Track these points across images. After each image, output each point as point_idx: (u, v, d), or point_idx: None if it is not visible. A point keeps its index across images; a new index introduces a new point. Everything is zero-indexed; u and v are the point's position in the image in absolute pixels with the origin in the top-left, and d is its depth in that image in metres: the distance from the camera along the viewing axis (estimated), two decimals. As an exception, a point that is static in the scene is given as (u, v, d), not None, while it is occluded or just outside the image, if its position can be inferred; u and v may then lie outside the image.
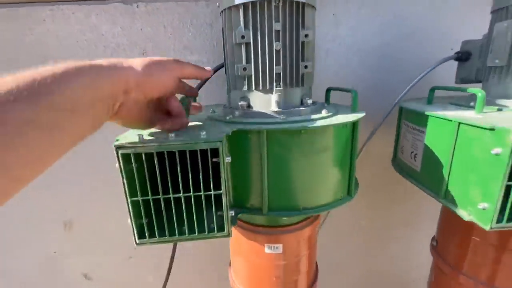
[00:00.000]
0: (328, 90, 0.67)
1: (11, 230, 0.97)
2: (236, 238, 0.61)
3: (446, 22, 0.80)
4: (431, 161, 0.56)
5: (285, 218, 0.55)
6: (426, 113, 0.56)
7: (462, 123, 0.47)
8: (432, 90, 0.65)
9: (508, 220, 0.42)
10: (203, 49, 0.79)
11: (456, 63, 0.70)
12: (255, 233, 0.57)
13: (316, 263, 0.72)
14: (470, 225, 0.61)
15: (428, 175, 0.58)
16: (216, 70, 0.66)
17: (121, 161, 0.36)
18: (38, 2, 0.74)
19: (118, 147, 0.36)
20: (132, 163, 0.37)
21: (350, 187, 0.54)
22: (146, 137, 0.38)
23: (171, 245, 0.93)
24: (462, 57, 0.67)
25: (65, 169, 0.89)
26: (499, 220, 0.42)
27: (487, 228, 0.43)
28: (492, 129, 0.41)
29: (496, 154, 0.40)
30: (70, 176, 0.90)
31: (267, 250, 0.58)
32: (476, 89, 0.50)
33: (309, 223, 0.59)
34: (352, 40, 0.82)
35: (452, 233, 0.70)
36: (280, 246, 0.57)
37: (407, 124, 0.66)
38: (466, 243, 0.65)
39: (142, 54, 0.80)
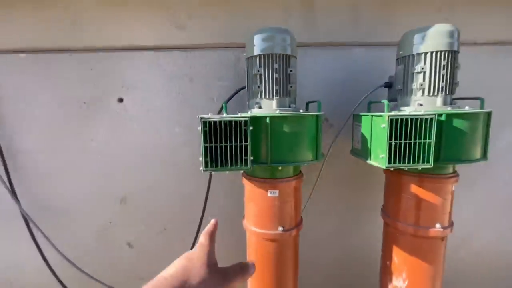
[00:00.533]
0: (307, 103, 1.10)
1: (81, 204, 1.33)
2: (250, 188, 0.99)
3: (383, 65, 1.26)
4: (364, 140, 0.97)
5: (280, 169, 0.94)
6: (360, 114, 0.99)
7: (373, 115, 0.89)
8: (369, 103, 1.08)
9: (393, 162, 0.82)
10: (230, 78, 1.25)
11: (386, 89, 1.15)
12: (262, 183, 0.96)
13: (301, 217, 1.08)
14: (398, 188, 1.00)
15: (363, 149, 0.99)
16: (238, 91, 1.11)
17: (201, 124, 0.77)
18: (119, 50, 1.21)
19: (201, 117, 0.77)
20: (206, 127, 0.78)
21: (317, 154, 0.94)
22: (214, 116, 0.79)
23: (197, 220, 1.29)
24: (388, 85, 1.12)
25: (122, 161, 1.29)
26: (388, 163, 0.82)
27: (384, 167, 0.83)
28: (381, 116, 0.83)
29: (383, 127, 0.81)
30: (126, 165, 1.30)
31: (269, 194, 0.96)
32: (384, 100, 0.93)
33: (296, 179, 0.98)
34: (323, 73, 1.28)
35: (389, 196, 1.08)
36: (277, 191, 0.95)
37: (355, 124, 1.08)
38: (397, 200, 1.02)
39: (190, 80, 1.25)
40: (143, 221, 1.37)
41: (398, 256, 1.05)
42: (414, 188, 0.97)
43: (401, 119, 0.80)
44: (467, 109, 0.89)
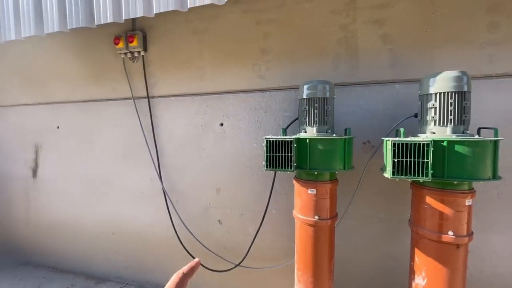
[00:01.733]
0: (345, 129, 1.49)
1: (193, 190, 2.07)
2: (297, 187, 1.45)
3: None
4: (383, 158, 1.29)
5: (316, 174, 1.36)
6: (382, 138, 1.31)
7: (385, 140, 1.22)
8: (396, 130, 1.38)
9: (397, 174, 1.12)
10: (292, 110, 1.76)
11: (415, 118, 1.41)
12: (304, 183, 1.40)
13: (337, 212, 1.45)
14: (419, 200, 1.26)
15: (384, 165, 1.29)
16: (293, 121, 1.60)
17: (264, 142, 1.31)
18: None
19: (265, 138, 1.31)
20: (268, 143, 1.31)
21: (345, 165, 1.32)
22: (272, 137, 1.32)
23: (263, 210, 1.80)
24: (416, 116, 1.38)
25: (219, 164, 1.95)
26: (392, 174, 1.13)
27: (390, 177, 1.14)
28: (388, 140, 1.16)
29: (389, 148, 1.14)
30: (221, 167, 1.96)
31: (309, 192, 1.39)
32: (401, 129, 1.23)
33: (331, 183, 1.38)
34: (367, 105, 1.62)
35: (413, 207, 1.32)
36: (315, 190, 1.37)
37: (385, 145, 1.39)
38: (418, 209, 1.27)
39: (265, 112, 1.83)
40: (229, 206, 1.99)
41: (419, 257, 1.27)
42: (429, 200, 1.20)
43: (403, 143, 1.12)
44: (468, 138, 1.10)
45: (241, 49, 1.86)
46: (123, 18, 1.62)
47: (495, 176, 1.10)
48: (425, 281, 1.24)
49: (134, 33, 2.02)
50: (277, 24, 1.78)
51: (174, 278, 0.46)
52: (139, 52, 2.09)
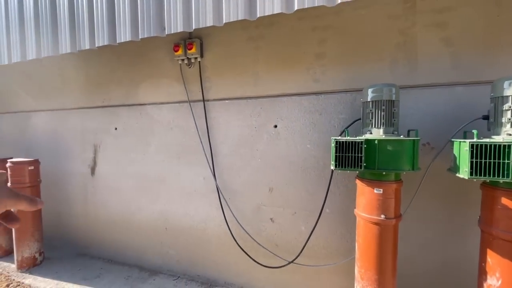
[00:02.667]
0: (408, 131, 1.52)
1: (246, 188, 2.17)
2: (361, 186, 1.50)
3: (481, 100, 1.51)
4: (454, 159, 1.31)
5: (384, 174, 1.40)
6: (453, 140, 1.33)
7: (460, 141, 1.24)
8: (464, 132, 1.40)
9: (475, 175, 1.15)
10: (347, 112, 1.81)
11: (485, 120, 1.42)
12: (370, 182, 1.45)
13: (400, 213, 1.48)
14: (492, 200, 1.27)
15: (454, 166, 1.32)
16: (354, 122, 1.65)
17: (333, 142, 1.38)
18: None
19: (334, 138, 1.38)
20: (338, 144, 1.37)
21: (413, 166, 1.36)
22: (342, 138, 1.38)
23: (319, 210, 1.86)
24: (485, 118, 1.39)
25: (272, 164, 2.03)
26: (470, 175, 1.16)
27: (466, 178, 1.17)
28: (465, 142, 1.19)
29: (466, 150, 1.17)
30: (275, 167, 2.04)
31: (375, 191, 1.43)
32: (474, 130, 1.26)
33: (396, 183, 1.42)
34: (426, 108, 1.64)
35: (484, 208, 1.33)
36: (381, 189, 1.42)
37: (451, 148, 1.42)
38: (491, 210, 1.28)
39: (320, 114, 1.89)
40: (282, 205, 2.07)
41: (491, 258, 1.28)
42: (505, 201, 1.21)
43: (481, 144, 1.14)
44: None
45: (296, 54, 1.95)
46: (193, 28, 1.75)
47: None
48: (500, 282, 1.24)
49: (193, 40, 2.17)
50: (333, 30, 1.84)
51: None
52: (195, 58, 2.23)
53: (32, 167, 2.63)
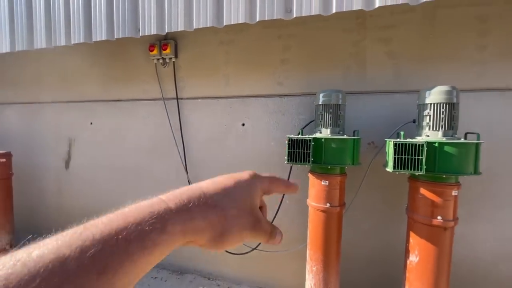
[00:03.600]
0: (354, 131, 1.75)
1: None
2: (312, 179, 1.71)
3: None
4: (386, 156, 1.55)
5: (329, 168, 1.62)
6: (385, 139, 1.57)
7: (388, 141, 1.48)
8: (397, 133, 1.64)
9: (397, 168, 1.39)
10: (306, 113, 2.02)
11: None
12: (319, 175, 1.66)
13: (344, 202, 1.71)
14: (414, 190, 1.52)
15: (386, 161, 1.55)
16: (309, 123, 1.86)
17: (287, 140, 1.57)
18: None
19: (288, 136, 1.58)
20: (290, 141, 1.57)
21: (353, 161, 1.58)
22: (294, 136, 1.58)
23: (279, 201, 2.06)
24: (414, 121, 1.64)
25: (240, 159, 2.21)
26: (394, 168, 1.39)
27: (391, 171, 1.40)
28: (390, 141, 1.42)
29: (391, 147, 1.41)
30: (243, 162, 2.22)
31: (322, 183, 1.65)
32: (401, 132, 1.50)
33: (341, 176, 1.64)
34: (372, 112, 1.88)
35: (409, 197, 1.58)
36: (327, 181, 1.64)
37: (388, 145, 1.66)
38: (413, 198, 1.53)
39: (282, 114, 2.09)
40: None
41: (413, 239, 1.53)
42: (423, 191, 1.46)
43: (402, 143, 1.38)
44: (455, 140, 1.36)
45: (263, 59, 2.13)
46: (166, 31, 1.88)
47: (476, 172, 1.36)
48: (418, 258, 1.50)
49: (167, 42, 2.29)
50: (296, 38, 2.04)
51: (271, 174, 0.43)
52: (170, 58, 2.36)
53: (3, 160, 2.65)
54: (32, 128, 3.05)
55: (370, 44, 1.88)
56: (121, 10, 1.98)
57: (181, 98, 2.40)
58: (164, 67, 2.42)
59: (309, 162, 1.57)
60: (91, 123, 2.77)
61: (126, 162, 2.65)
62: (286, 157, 1.61)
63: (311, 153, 1.56)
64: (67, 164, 2.92)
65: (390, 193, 1.89)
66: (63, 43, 2.18)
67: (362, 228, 1.96)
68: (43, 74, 2.93)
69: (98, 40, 2.07)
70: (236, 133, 2.25)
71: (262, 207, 0.45)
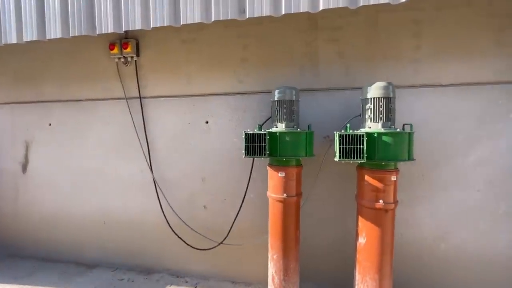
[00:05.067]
0: (308, 125, 1.86)
1: (181, 179, 2.35)
2: (270, 171, 1.80)
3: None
4: (334, 146, 1.68)
5: (284, 160, 1.72)
6: (334, 132, 1.70)
7: (335, 132, 1.61)
8: (346, 127, 1.78)
9: (343, 157, 1.51)
10: (267, 110, 2.11)
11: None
12: (276, 167, 1.75)
13: (301, 191, 1.82)
14: (360, 177, 1.66)
15: (335, 151, 1.68)
16: (267, 119, 1.96)
17: (243, 135, 1.65)
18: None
19: (244, 131, 1.65)
20: (246, 136, 1.65)
21: (306, 153, 1.70)
22: (250, 131, 1.66)
23: (242, 195, 2.13)
24: (360, 116, 1.79)
25: (204, 156, 2.26)
26: (339, 158, 1.52)
27: (337, 160, 1.53)
28: (336, 133, 1.55)
29: (337, 139, 1.53)
30: (206, 158, 2.26)
31: (279, 175, 1.74)
32: (348, 124, 1.63)
33: (297, 167, 1.75)
34: (326, 107, 2.01)
35: (357, 185, 1.72)
36: (284, 173, 1.73)
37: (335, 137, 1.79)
38: (359, 185, 1.67)
39: (244, 111, 2.16)
40: (214, 193, 2.30)
41: (361, 222, 1.67)
42: (367, 178, 1.60)
43: (346, 135, 1.51)
44: (391, 130, 1.52)
45: (223, 57, 2.19)
46: (123, 30, 1.88)
47: (409, 158, 1.53)
48: (365, 240, 1.64)
49: (128, 40, 2.28)
50: (254, 38, 2.13)
51: None
52: (132, 57, 2.35)
53: (-50, 165, 2.46)
54: (-16, 131, 2.87)
55: (322, 44, 2.02)
56: (76, 8, 1.95)
57: (144, 97, 2.40)
58: (126, 66, 2.40)
59: (264, 155, 1.65)
60: (50, 124, 2.67)
61: (89, 163, 2.58)
62: (243, 151, 1.68)
63: (266, 146, 1.65)
64: (24, 168, 2.77)
65: (345, 182, 2.02)
66: (14, 40, 2.09)
67: (321, 217, 2.09)
68: (-5, 73, 2.77)
69: (52, 38, 2.01)
70: (200, 131, 2.29)
71: None
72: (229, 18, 1.70)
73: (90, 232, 2.62)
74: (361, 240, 1.66)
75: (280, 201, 1.76)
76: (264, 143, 1.65)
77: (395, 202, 1.59)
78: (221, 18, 1.72)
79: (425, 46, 1.86)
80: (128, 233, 2.52)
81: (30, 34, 2.05)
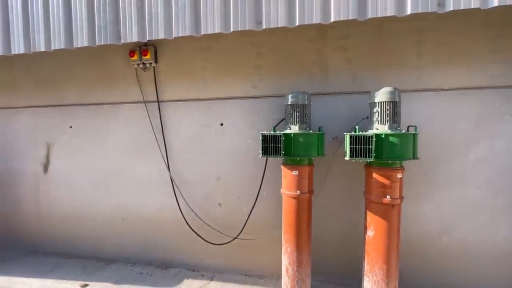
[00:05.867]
0: (319, 127, 2.00)
1: (198, 178, 2.49)
2: (284, 170, 1.94)
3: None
4: (344, 146, 1.82)
5: (298, 160, 1.86)
6: (344, 133, 1.85)
7: (345, 134, 1.75)
8: (354, 128, 1.92)
9: (353, 156, 1.65)
10: (279, 113, 2.25)
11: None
12: (289, 166, 1.89)
13: (313, 189, 1.96)
14: (368, 175, 1.80)
15: (345, 151, 1.83)
16: (280, 121, 2.10)
17: (261, 136, 1.79)
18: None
19: (261, 133, 1.79)
20: (263, 137, 1.79)
21: (318, 153, 1.84)
22: (267, 132, 1.80)
23: (256, 193, 2.27)
24: (368, 118, 1.94)
25: (219, 157, 2.40)
26: (350, 157, 1.66)
27: (347, 159, 1.67)
28: (346, 134, 1.69)
29: (347, 139, 1.67)
30: (229, 159, 2.40)
31: (293, 173, 1.89)
32: (356, 126, 1.77)
33: (309, 166, 1.89)
34: (335, 111, 2.16)
35: (366, 182, 1.86)
36: (297, 171, 1.87)
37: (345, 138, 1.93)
38: (368, 181, 1.81)
39: (257, 114, 2.31)
40: (228, 191, 2.43)
41: (368, 216, 1.81)
42: (375, 175, 1.74)
43: (356, 136, 1.65)
44: (397, 132, 1.66)
45: (238, 64, 2.34)
46: (147, 39, 2.03)
47: (414, 157, 1.67)
48: (373, 232, 1.78)
49: (148, 48, 2.43)
50: (267, 46, 2.28)
51: None
52: (150, 63, 2.49)
53: (-22, 166, 2.60)
54: (8, 133, 3.01)
55: (331, 51, 2.16)
56: (103, 17, 2.10)
57: (162, 101, 2.54)
58: (145, 71, 2.54)
59: (280, 155, 1.80)
60: (71, 127, 2.81)
61: (108, 164, 2.72)
62: (260, 151, 1.82)
63: (282, 147, 1.79)
64: (45, 168, 2.91)
65: (353, 180, 2.16)
66: (42, 48, 2.24)
67: (331, 212, 2.23)
68: (19, 78, 2.92)
69: (79, 46, 2.16)
70: (216, 133, 2.43)
71: None
72: (246, 28, 1.85)
73: (109, 229, 2.76)
74: (370, 233, 1.80)
75: (294, 198, 1.90)
76: (280, 144, 1.79)
77: (401, 197, 1.73)
78: (239, 29, 1.87)
79: (427, 53, 2.01)
80: (146, 230, 2.66)
81: (58, 43, 2.20)
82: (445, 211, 2.05)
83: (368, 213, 1.81)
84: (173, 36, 1.99)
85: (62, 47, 2.20)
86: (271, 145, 1.80)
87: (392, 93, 1.71)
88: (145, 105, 2.56)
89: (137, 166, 2.65)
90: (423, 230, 2.09)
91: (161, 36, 2.00)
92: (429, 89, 2.02)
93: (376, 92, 1.76)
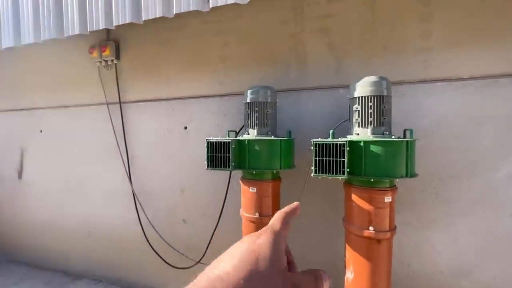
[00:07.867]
0: (288, 131, 1.57)
1: (160, 190, 2.17)
2: (242, 186, 1.53)
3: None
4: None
5: (254, 173, 1.44)
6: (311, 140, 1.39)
7: (312, 141, 1.30)
8: (332, 132, 1.46)
9: (319, 172, 1.20)
10: (240, 112, 1.85)
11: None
12: (247, 182, 1.49)
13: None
14: (347, 197, 1.33)
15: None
16: (242, 127, 1.70)
17: (206, 143, 1.41)
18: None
19: (206, 139, 1.41)
20: (209, 145, 1.41)
21: (284, 164, 1.41)
22: (213, 138, 1.42)
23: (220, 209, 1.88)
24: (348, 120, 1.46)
25: (183, 164, 2.05)
26: (315, 173, 1.21)
27: (312, 175, 1.22)
28: (313, 141, 1.24)
29: (311, 149, 1.23)
30: (186, 166, 2.06)
31: (250, 190, 1.47)
32: (331, 131, 1.32)
33: (273, 181, 1.46)
34: (315, 108, 1.70)
35: (345, 205, 1.39)
36: (255, 188, 1.46)
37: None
38: (346, 206, 1.34)
39: (224, 115, 1.93)
40: (193, 206, 2.08)
41: (348, 252, 1.34)
42: (354, 197, 1.28)
43: (322, 144, 1.20)
44: (382, 138, 1.18)
45: (202, 57, 1.98)
46: (88, 30, 1.76)
47: (408, 174, 1.17)
48: (353, 275, 1.30)
49: (107, 43, 2.17)
50: (234, 34, 1.89)
51: (278, 215, 0.42)
52: (112, 60, 2.23)
53: (-50, 171, 2.55)
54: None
55: (309, 35, 1.71)
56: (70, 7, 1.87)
57: (124, 102, 2.27)
58: (107, 70, 2.29)
59: (229, 167, 1.40)
60: (41, 131, 2.66)
61: (75, 171, 2.51)
62: (205, 162, 1.44)
63: (231, 157, 1.39)
64: (19, 174, 2.80)
65: (339, 198, 1.69)
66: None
67: (309, 238, 1.77)
68: (-5, 82, 2.85)
69: (27, 42, 1.96)
70: (179, 137, 2.10)
71: (290, 264, 0.41)
72: (191, 9, 1.49)
73: (76, 242, 2.55)
74: (349, 275, 1.32)
75: (253, 222, 1.49)
76: (229, 154, 1.39)
77: (392, 230, 1.24)
78: (182, 10, 1.51)
79: (438, 31, 1.48)
80: (110, 246, 2.40)
81: (7, 40, 2.02)
82: (465, 244, 1.49)
83: (347, 247, 1.34)
84: (114, 24, 1.69)
85: (11, 44, 2.02)
86: (219, 155, 1.41)
87: (376, 84, 1.23)
88: (107, 107, 2.31)
89: (102, 174, 2.40)
90: (432, 269, 1.55)
91: (102, 26, 1.72)
92: (440, 78, 1.48)
93: (356, 84, 1.29)
